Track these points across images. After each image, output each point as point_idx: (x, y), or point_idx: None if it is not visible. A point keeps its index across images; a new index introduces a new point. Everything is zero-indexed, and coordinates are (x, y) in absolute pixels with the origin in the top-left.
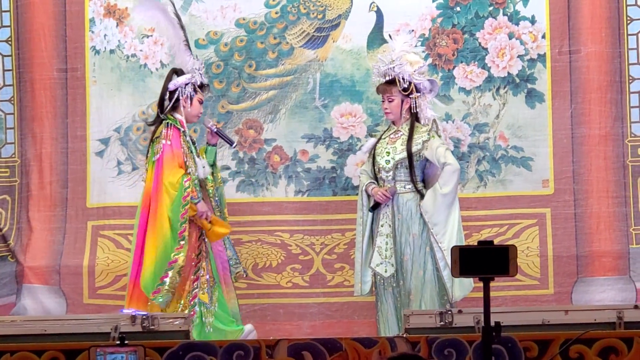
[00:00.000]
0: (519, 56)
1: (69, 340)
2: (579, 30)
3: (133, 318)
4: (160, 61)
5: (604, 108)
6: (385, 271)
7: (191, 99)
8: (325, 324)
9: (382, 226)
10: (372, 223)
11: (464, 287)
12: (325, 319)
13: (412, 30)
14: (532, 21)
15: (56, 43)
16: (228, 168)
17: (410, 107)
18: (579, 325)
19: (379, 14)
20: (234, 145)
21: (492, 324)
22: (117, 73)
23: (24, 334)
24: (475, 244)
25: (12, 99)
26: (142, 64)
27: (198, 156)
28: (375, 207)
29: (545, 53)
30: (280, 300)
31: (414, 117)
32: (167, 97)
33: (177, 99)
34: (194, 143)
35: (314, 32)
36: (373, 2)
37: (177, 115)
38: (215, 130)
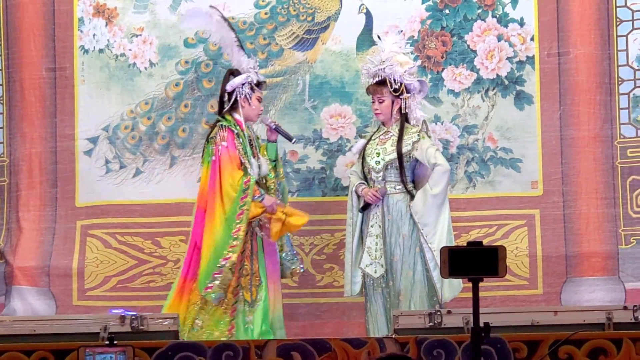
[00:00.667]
0: (507, 58)
1: (58, 340)
2: (568, 32)
3: (122, 318)
4: (149, 60)
5: (593, 110)
6: (375, 272)
7: (249, 99)
8: (314, 324)
9: (372, 227)
10: (361, 224)
11: (453, 288)
12: (314, 320)
13: (401, 31)
14: (521, 23)
15: (45, 42)
16: None
17: (400, 108)
18: (568, 326)
19: (368, 16)
20: (293, 140)
21: (481, 324)
22: (106, 72)
23: (13, 334)
24: (465, 244)
25: (2, 98)
26: (131, 63)
27: (254, 156)
28: (365, 207)
29: (534, 55)
30: None
31: (404, 118)
32: (225, 98)
33: (236, 100)
34: (250, 143)
35: (304, 34)
36: (362, 4)
37: (237, 116)
38: (274, 127)
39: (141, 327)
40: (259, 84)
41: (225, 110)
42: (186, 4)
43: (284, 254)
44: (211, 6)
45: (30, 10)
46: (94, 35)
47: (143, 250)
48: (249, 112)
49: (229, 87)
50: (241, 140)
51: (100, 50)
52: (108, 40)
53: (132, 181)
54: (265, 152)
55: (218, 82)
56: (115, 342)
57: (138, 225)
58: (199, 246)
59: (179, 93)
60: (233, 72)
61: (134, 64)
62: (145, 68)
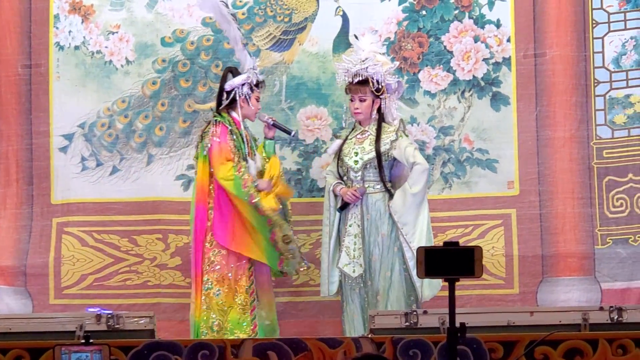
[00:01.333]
0: (484, 59)
1: (34, 339)
2: (544, 33)
3: (98, 317)
4: (126, 58)
5: (569, 111)
6: (354, 271)
7: (248, 99)
8: (290, 323)
9: (350, 226)
10: (339, 223)
11: (433, 287)
12: (290, 318)
13: (376, 32)
14: (498, 25)
15: (21, 40)
16: (193, 168)
17: (379, 107)
18: (544, 327)
19: (345, 18)
20: (292, 134)
21: (458, 325)
22: (81, 69)
23: None
24: (441, 244)
25: None
26: (107, 61)
27: (249, 155)
28: (344, 207)
29: (510, 56)
30: None
31: (381, 118)
32: (223, 97)
33: (234, 99)
34: (246, 142)
35: (281, 34)
36: (339, 7)
37: (234, 114)
38: (271, 123)
39: (117, 326)
40: (257, 84)
41: (222, 107)
42: (163, 2)
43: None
44: (221, 0)
45: (6, 6)
46: (69, 32)
47: (119, 248)
48: (248, 112)
49: (227, 87)
50: (234, 137)
51: (76, 47)
52: (84, 37)
53: (108, 179)
54: (262, 150)
55: (195, 81)
56: (91, 340)
57: (115, 223)
58: (203, 241)
59: (155, 92)
60: (232, 71)
61: (110, 61)
62: (122, 66)
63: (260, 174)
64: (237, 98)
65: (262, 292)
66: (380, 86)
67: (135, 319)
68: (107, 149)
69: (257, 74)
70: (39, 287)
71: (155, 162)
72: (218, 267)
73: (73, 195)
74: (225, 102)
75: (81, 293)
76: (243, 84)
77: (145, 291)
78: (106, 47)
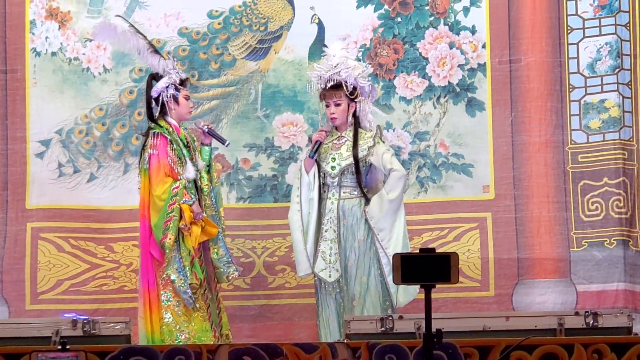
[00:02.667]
0: (459, 65)
1: (10, 344)
2: (519, 39)
3: (74, 322)
4: (103, 65)
5: (544, 116)
6: (330, 276)
7: (176, 99)
8: (265, 326)
9: (326, 231)
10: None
11: (408, 293)
12: (265, 321)
13: (345, 38)
14: (473, 31)
15: None
16: None
17: (355, 112)
18: (520, 332)
19: (321, 26)
20: (226, 144)
21: (434, 330)
22: (59, 75)
23: None
24: (416, 248)
25: None
26: (84, 68)
27: (191, 159)
28: (316, 150)
29: (485, 62)
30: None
31: (357, 123)
32: (153, 105)
33: (163, 104)
34: (186, 145)
35: (256, 43)
36: (314, 15)
37: (170, 119)
38: (206, 130)
39: (93, 331)
40: (182, 83)
41: (156, 116)
42: (140, 11)
43: (218, 258)
44: (117, 15)
45: None
46: (46, 37)
47: (96, 255)
48: (180, 112)
49: (154, 93)
50: (174, 146)
51: (53, 54)
52: (61, 43)
53: (86, 186)
54: (199, 156)
55: None
56: (67, 346)
57: (91, 230)
58: (150, 255)
59: (132, 101)
60: (155, 77)
61: (88, 68)
62: (100, 73)
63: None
64: (165, 101)
65: (213, 297)
66: (353, 89)
67: (111, 325)
68: (85, 156)
69: (179, 73)
70: (15, 294)
71: (131, 171)
72: None
73: (49, 201)
74: (157, 110)
75: (57, 298)
76: (167, 86)
77: (122, 296)
78: (83, 54)
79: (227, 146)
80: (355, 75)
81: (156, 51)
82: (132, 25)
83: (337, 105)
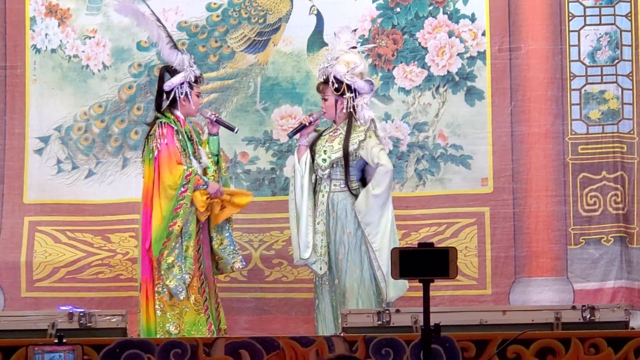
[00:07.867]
0: (458, 54)
1: (5, 337)
2: (519, 27)
3: (70, 315)
4: (103, 63)
5: (544, 106)
6: (320, 269)
7: (189, 96)
8: (262, 319)
9: (318, 224)
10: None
11: (397, 288)
12: (262, 314)
13: (354, 30)
14: (472, 19)
15: None
16: None
17: (351, 106)
18: (517, 326)
19: (319, 17)
20: (235, 130)
21: (432, 325)
22: (58, 72)
23: None
24: (414, 243)
25: None
26: (84, 65)
27: (194, 153)
28: (297, 132)
29: (485, 50)
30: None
31: (352, 117)
32: (163, 97)
33: (174, 99)
34: (190, 139)
35: (255, 36)
36: (313, 6)
37: (176, 112)
38: (214, 119)
39: (89, 324)
40: (196, 80)
41: (163, 108)
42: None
43: (222, 248)
44: (144, 0)
45: None
46: (46, 34)
47: (92, 244)
48: (190, 110)
49: (167, 87)
50: (180, 137)
51: (53, 50)
52: (61, 40)
53: (84, 182)
54: (207, 146)
55: None
56: (64, 340)
57: (88, 222)
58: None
59: (132, 96)
60: (168, 70)
61: (87, 65)
62: (99, 70)
63: (204, 171)
64: (178, 97)
65: (210, 291)
66: (339, 86)
67: (108, 317)
68: (84, 153)
69: (194, 70)
70: (10, 281)
71: (130, 165)
72: None
73: (47, 196)
74: (165, 103)
75: (53, 286)
76: (182, 83)
77: (118, 284)
78: (83, 51)
79: (236, 132)
80: (343, 71)
81: (175, 45)
82: (156, 16)
83: (325, 99)
